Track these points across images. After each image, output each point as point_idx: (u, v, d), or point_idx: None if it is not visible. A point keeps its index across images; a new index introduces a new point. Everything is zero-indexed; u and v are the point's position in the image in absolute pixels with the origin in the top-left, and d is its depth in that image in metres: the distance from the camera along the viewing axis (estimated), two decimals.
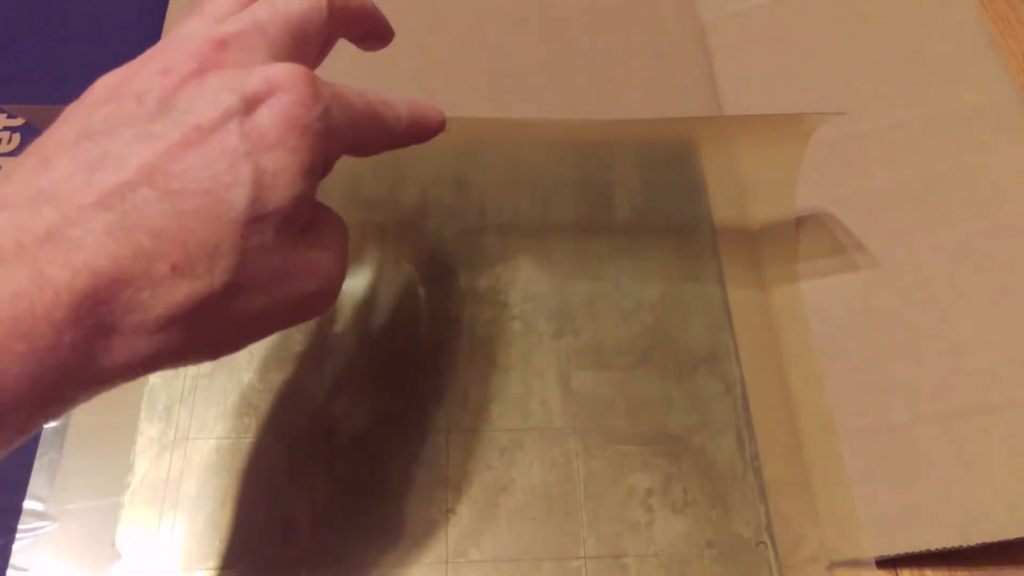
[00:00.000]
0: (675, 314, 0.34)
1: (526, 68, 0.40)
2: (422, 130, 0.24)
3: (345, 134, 0.21)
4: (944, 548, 0.28)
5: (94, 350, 0.17)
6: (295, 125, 0.19)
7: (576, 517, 0.30)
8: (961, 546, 0.28)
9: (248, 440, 0.31)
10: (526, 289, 0.34)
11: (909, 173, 0.35)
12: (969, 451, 0.29)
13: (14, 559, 0.29)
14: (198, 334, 0.19)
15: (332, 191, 0.32)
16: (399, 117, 0.23)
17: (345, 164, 0.23)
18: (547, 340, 0.33)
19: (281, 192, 0.19)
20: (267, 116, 0.19)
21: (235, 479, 0.30)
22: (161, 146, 0.18)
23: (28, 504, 0.30)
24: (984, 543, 0.28)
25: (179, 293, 0.18)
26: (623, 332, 0.33)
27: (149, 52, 0.21)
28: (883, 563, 0.29)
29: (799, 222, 0.35)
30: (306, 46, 0.22)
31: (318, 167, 0.20)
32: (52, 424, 0.31)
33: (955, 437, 0.30)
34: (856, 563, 0.29)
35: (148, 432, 0.31)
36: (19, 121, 0.38)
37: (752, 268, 0.35)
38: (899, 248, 0.34)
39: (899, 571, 0.29)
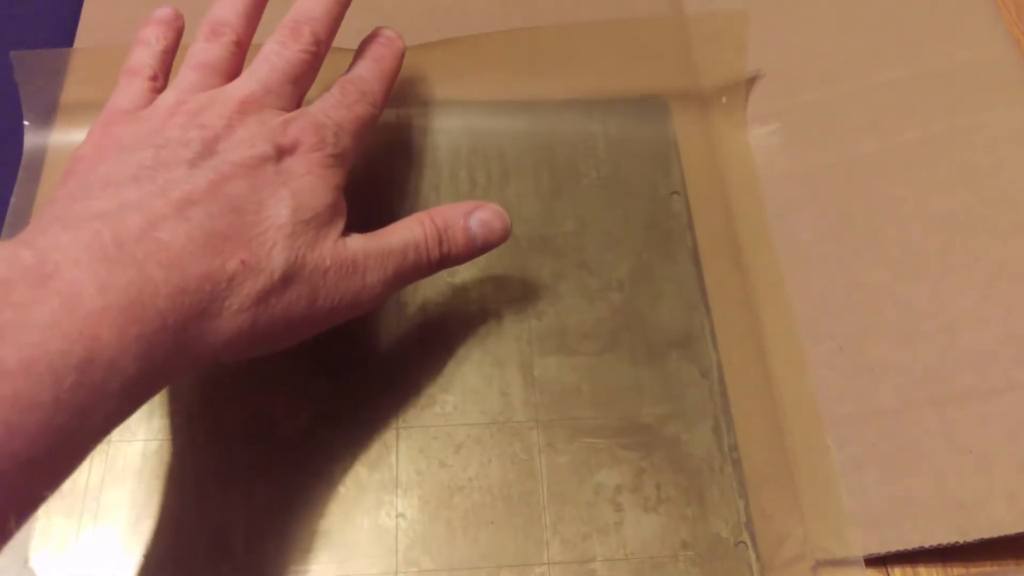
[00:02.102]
0: (646, 293, 0.32)
1: None
2: (394, 79, 0.30)
3: (349, 150, 0.27)
4: (939, 545, 0.27)
5: (189, 332, 0.22)
6: (317, 164, 0.26)
7: (539, 519, 0.28)
8: (957, 542, 0.27)
9: (177, 442, 0.29)
10: (484, 269, 0.32)
11: (898, 137, 0.34)
12: (965, 438, 0.28)
13: None
14: (263, 321, 0.23)
15: None
16: (375, 97, 0.29)
17: None
18: (507, 324, 0.31)
19: (316, 202, 0.25)
20: (293, 163, 0.25)
21: (162, 486, 0.28)
22: (216, 175, 0.24)
23: None
24: (982, 539, 0.27)
25: (248, 284, 0.23)
26: (590, 314, 0.32)
27: (164, 109, 0.26)
28: (873, 561, 0.28)
29: (775, 198, 0.33)
30: (304, 82, 0.28)
31: (340, 182, 0.26)
32: None
33: (950, 423, 0.29)
34: (844, 562, 0.27)
35: None
36: None
37: (729, 242, 0.33)
38: (888, 218, 0.32)
39: (890, 570, 0.28)
